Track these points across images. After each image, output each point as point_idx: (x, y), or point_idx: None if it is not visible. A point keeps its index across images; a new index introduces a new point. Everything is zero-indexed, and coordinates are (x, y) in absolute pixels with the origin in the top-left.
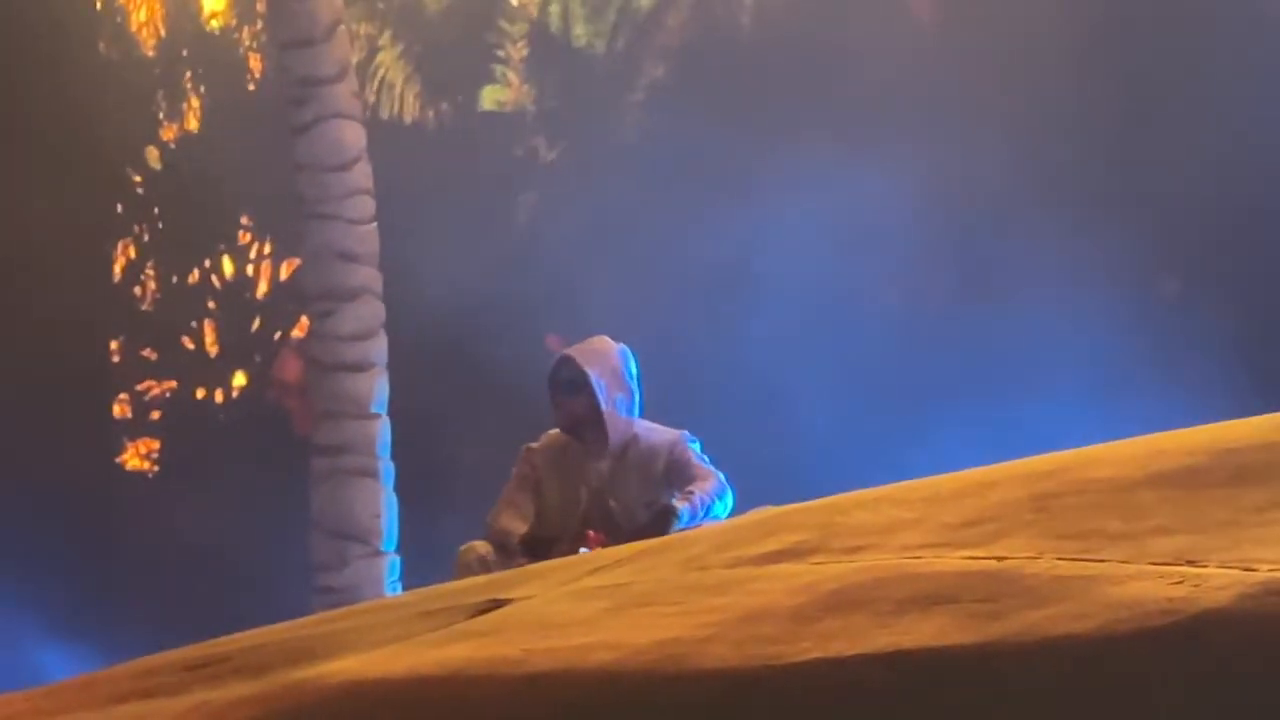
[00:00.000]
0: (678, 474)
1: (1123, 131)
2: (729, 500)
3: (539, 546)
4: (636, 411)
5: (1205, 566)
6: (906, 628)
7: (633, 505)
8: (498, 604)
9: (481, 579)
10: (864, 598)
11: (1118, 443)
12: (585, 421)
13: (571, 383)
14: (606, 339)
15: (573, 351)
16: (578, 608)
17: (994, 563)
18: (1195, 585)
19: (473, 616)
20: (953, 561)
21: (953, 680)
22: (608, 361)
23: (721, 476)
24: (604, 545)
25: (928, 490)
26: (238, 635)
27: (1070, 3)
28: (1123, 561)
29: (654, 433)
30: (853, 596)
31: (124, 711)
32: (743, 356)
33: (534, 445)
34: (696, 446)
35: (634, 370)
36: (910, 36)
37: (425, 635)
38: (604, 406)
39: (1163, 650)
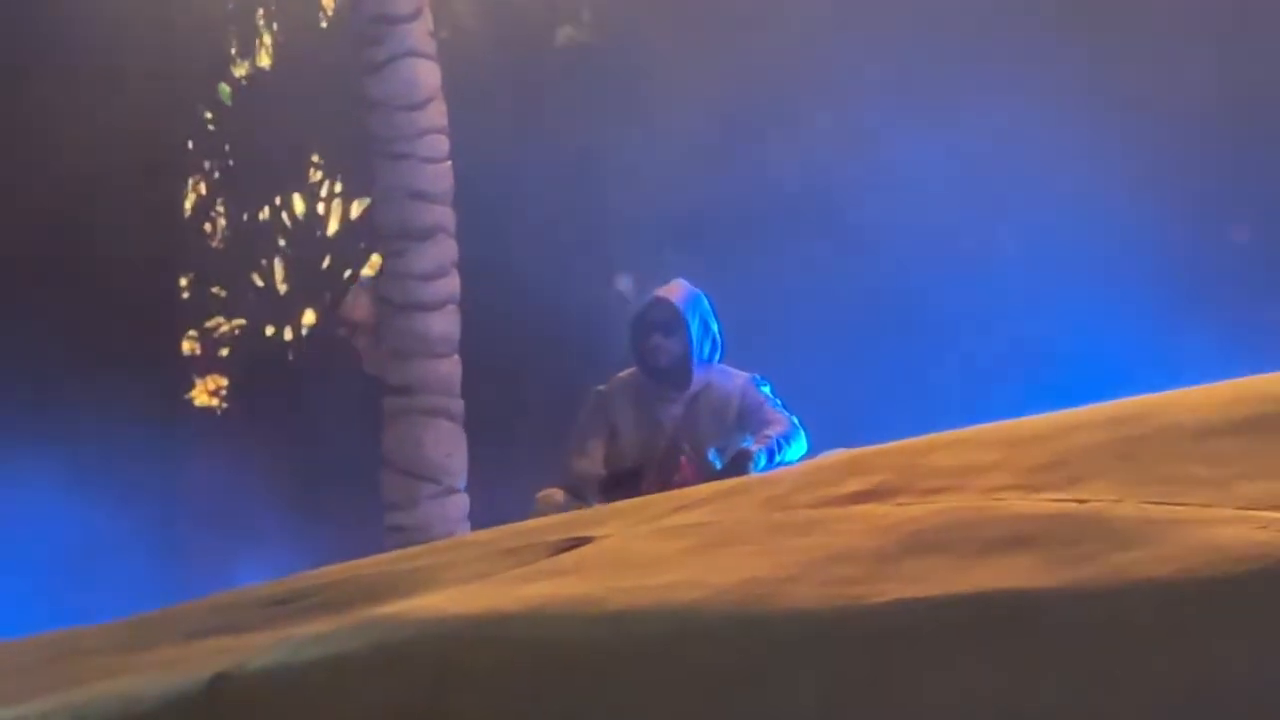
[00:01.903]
0: (751, 417)
1: None
2: (803, 443)
3: (623, 482)
4: (718, 357)
5: None
6: (990, 569)
7: (705, 450)
8: (579, 542)
9: (562, 517)
10: (947, 539)
11: (1199, 388)
12: (673, 366)
13: (665, 325)
14: (685, 283)
15: (667, 294)
16: (660, 546)
17: (1077, 505)
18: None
19: (554, 554)
20: (1036, 504)
21: (1038, 622)
22: (696, 305)
23: (795, 419)
24: (694, 471)
25: (1008, 433)
26: (318, 571)
27: None
28: (1207, 506)
29: (725, 375)
30: (935, 538)
31: (207, 646)
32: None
33: (603, 388)
34: (767, 389)
35: (714, 316)
36: None
37: (506, 572)
38: (694, 352)
39: (1250, 593)
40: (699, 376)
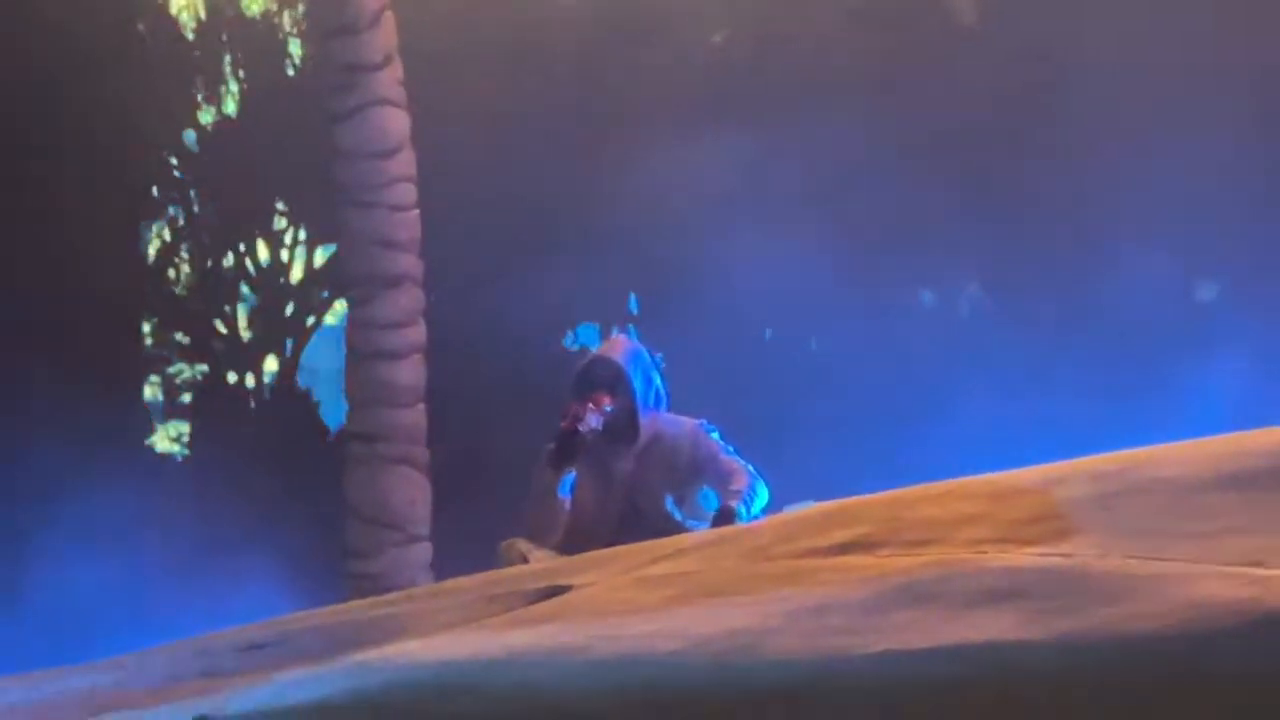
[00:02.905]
0: (706, 467)
1: None
2: (765, 493)
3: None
4: (663, 407)
5: (1274, 568)
6: (976, 622)
7: (661, 500)
8: (558, 590)
9: (542, 565)
10: (933, 591)
11: (1182, 443)
12: (619, 421)
13: (608, 383)
14: (626, 338)
15: (606, 351)
16: (642, 596)
17: (1062, 559)
18: (1264, 586)
19: (533, 603)
20: (1021, 557)
21: (1022, 676)
22: (639, 360)
23: (751, 468)
24: (602, 410)
25: (992, 486)
26: (295, 615)
27: None
28: (1191, 561)
29: (673, 423)
30: (922, 590)
31: (187, 688)
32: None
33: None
34: (716, 435)
35: (657, 368)
36: None
37: (486, 620)
38: (641, 408)
39: (1231, 650)
40: (646, 428)
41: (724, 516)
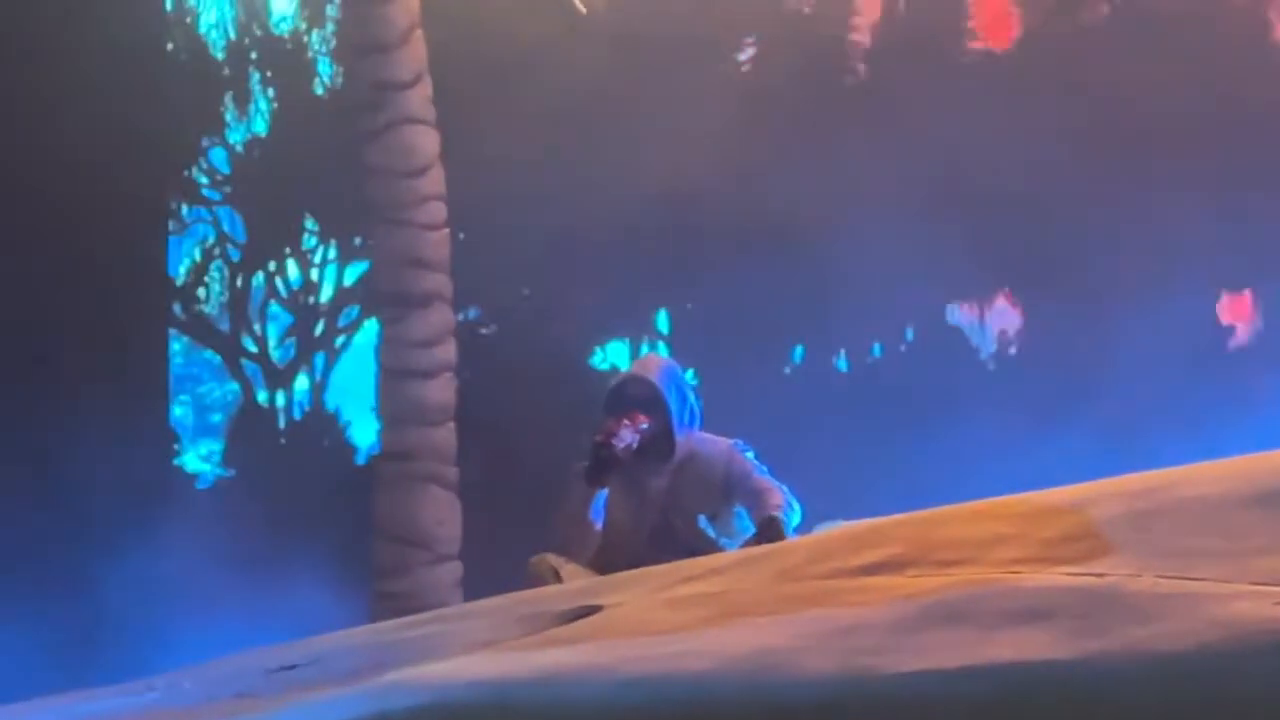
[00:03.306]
0: (740, 485)
1: None
2: (798, 512)
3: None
4: (697, 425)
5: None
6: (1007, 641)
7: (694, 518)
8: (589, 611)
9: (573, 585)
10: (963, 611)
11: (1213, 463)
12: (654, 439)
13: (642, 401)
14: (658, 355)
15: (640, 370)
16: (672, 615)
17: (1094, 579)
18: None
19: (564, 623)
20: (1052, 577)
21: (1054, 695)
22: (674, 378)
23: (784, 488)
24: (638, 428)
25: (1023, 506)
26: (328, 636)
27: None
28: (1223, 580)
29: (707, 444)
30: (952, 609)
31: (221, 708)
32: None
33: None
34: (751, 455)
35: (690, 384)
36: None
37: (516, 640)
38: (676, 427)
39: (1266, 669)
40: (681, 446)
41: (768, 526)
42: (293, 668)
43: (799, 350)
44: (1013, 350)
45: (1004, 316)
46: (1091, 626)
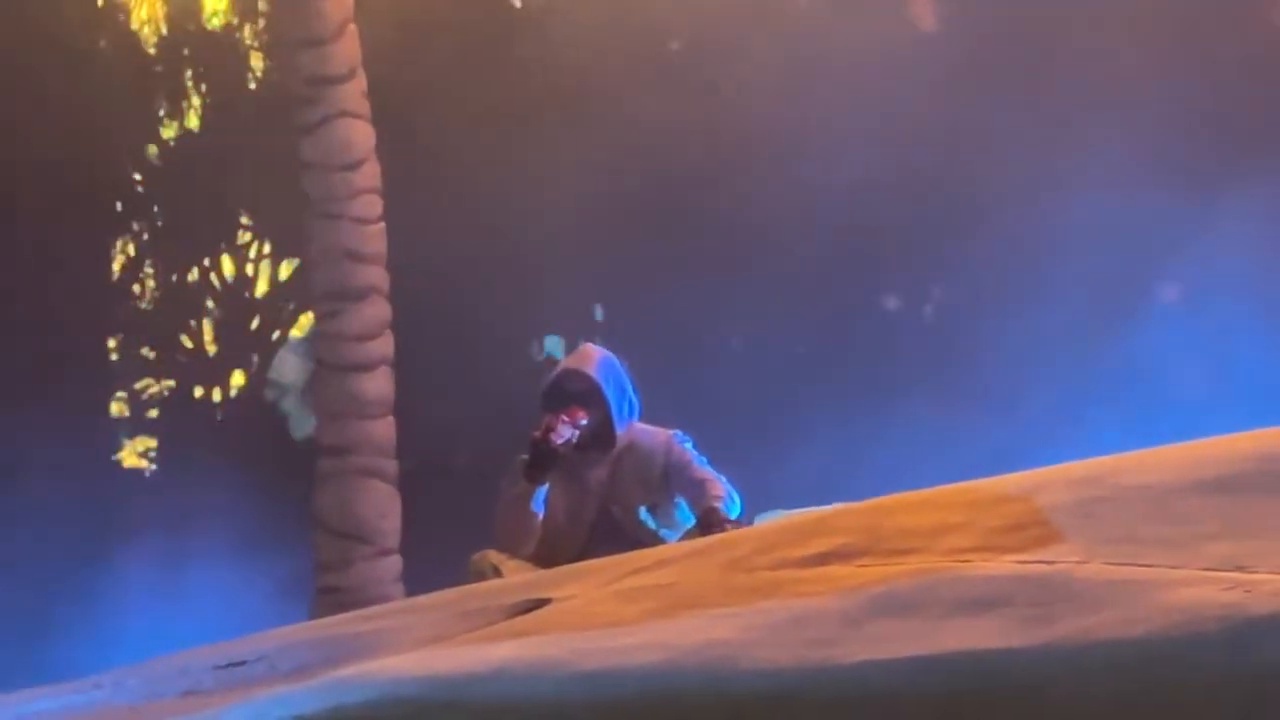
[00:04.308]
0: (679, 476)
1: None
2: (738, 502)
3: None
4: (636, 415)
5: (1256, 572)
6: (958, 631)
7: (634, 509)
8: (538, 604)
9: (520, 579)
10: (914, 601)
11: (1158, 449)
12: (594, 432)
13: (580, 395)
14: (596, 347)
15: (577, 363)
16: (622, 608)
17: (1043, 567)
18: (1247, 591)
19: (513, 616)
20: (1002, 565)
21: (1006, 684)
22: (612, 371)
23: (723, 479)
24: (576, 423)
25: (972, 494)
26: (275, 632)
27: None
28: (1173, 567)
29: (647, 435)
30: (902, 599)
31: (167, 707)
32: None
33: (527, 456)
34: (690, 446)
35: (628, 376)
36: None
37: (467, 634)
38: (616, 420)
39: (1217, 655)
40: (620, 438)
41: (708, 516)
42: (241, 664)
43: (734, 342)
44: (949, 336)
45: (938, 303)
46: (1042, 614)
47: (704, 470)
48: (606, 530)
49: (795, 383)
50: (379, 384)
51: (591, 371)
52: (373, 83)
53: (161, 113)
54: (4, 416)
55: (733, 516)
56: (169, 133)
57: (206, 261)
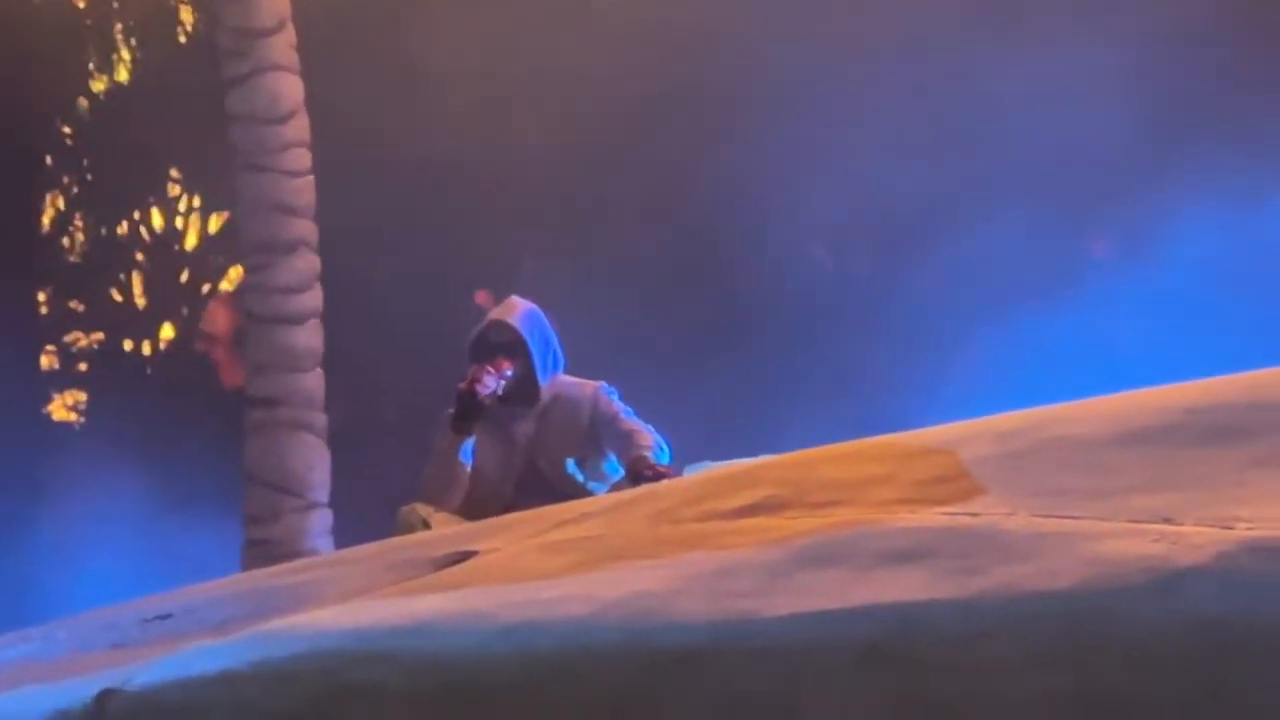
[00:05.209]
0: (607, 428)
1: None
2: (666, 452)
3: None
4: (561, 368)
5: (1182, 524)
6: (883, 582)
7: (562, 462)
8: (464, 556)
9: (447, 531)
10: (839, 552)
11: (1085, 401)
12: (519, 384)
13: (505, 347)
14: (520, 299)
15: (502, 315)
16: (547, 561)
17: (970, 519)
18: (1173, 542)
19: (439, 569)
20: (929, 517)
21: (932, 635)
22: (536, 323)
23: (651, 430)
24: (501, 374)
25: (897, 446)
26: (200, 586)
27: None
28: (1099, 519)
29: (573, 387)
30: (828, 551)
31: (92, 660)
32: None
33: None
34: (615, 397)
35: (552, 328)
36: None
37: (393, 586)
38: (540, 372)
39: (1143, 607)
40: (546, 390)
41: (638, 465)
42: (168, 617)
43: (660, 296)
44: (877, 292)
45: (865, 259)
46: (969, 566)
47: (631, 421)
48: (533, 483)
49: (724, 334)
50: (308, 337)
51: (516, 323)
52: (301, 36)
53: (91, 66)
54: None
55: (662, 464)
56: (99, 86)
57: (136, 215)
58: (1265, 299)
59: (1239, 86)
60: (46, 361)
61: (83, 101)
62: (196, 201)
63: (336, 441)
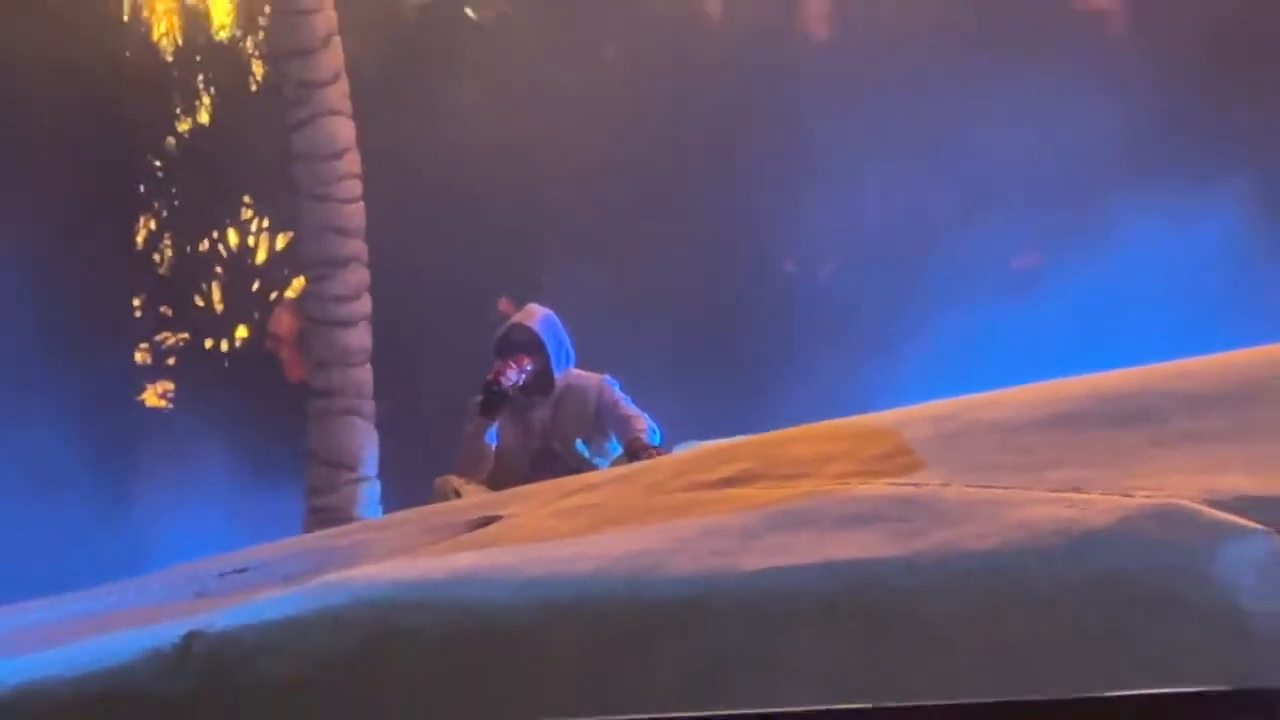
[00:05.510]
0: (609, 414)
1: None
2: (658, 434)
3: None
4: (571, 363)
5: (1090, 493)
6: (840, 542)
7: (572, 442)
8: (491, 520)
9: (474, 499)
10: (804, 517)
11: (1010, 389)
12: (536, 377)
13: (525, 345)
14: (538, 306)
15: (522, 319)
16: (561, 524)
17: (913, 489)
18: (1082, 509)
19: (470, 531)
20: (878, 487)
21: (881, 587)
22: (551, 325)
23: (647, 415)
24: (522, 368)
25: (852, 428)
26: (271, 544)
27: None
28: (1021, 489)
29: (581, 380)
30: (794, 516)
31: (180, 608)
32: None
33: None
34: (617, 388)
35: (565, 330)
36: None
37: (432, 545)
38: (554, 367)
39: (1054, 562)
40: (559, 382)
41: (634, 445)
42: (243, 571)
43: (656, 302)
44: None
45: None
46: (912, 529)
47: (630, 408)
48: (548, 459)
49: (709, 335)
50: (359, 337)
51: (535, 326)
52: (354, 86)
53: (178, 110)
54: (47, 365)
55: (655, 444)
56: (184, 127)
57: (215, 234)
58: (1191, 305)
59: (1182, 121)
60: (140, 357)
61: (170, 140)
62: (266, 223)
63: (383, 425)
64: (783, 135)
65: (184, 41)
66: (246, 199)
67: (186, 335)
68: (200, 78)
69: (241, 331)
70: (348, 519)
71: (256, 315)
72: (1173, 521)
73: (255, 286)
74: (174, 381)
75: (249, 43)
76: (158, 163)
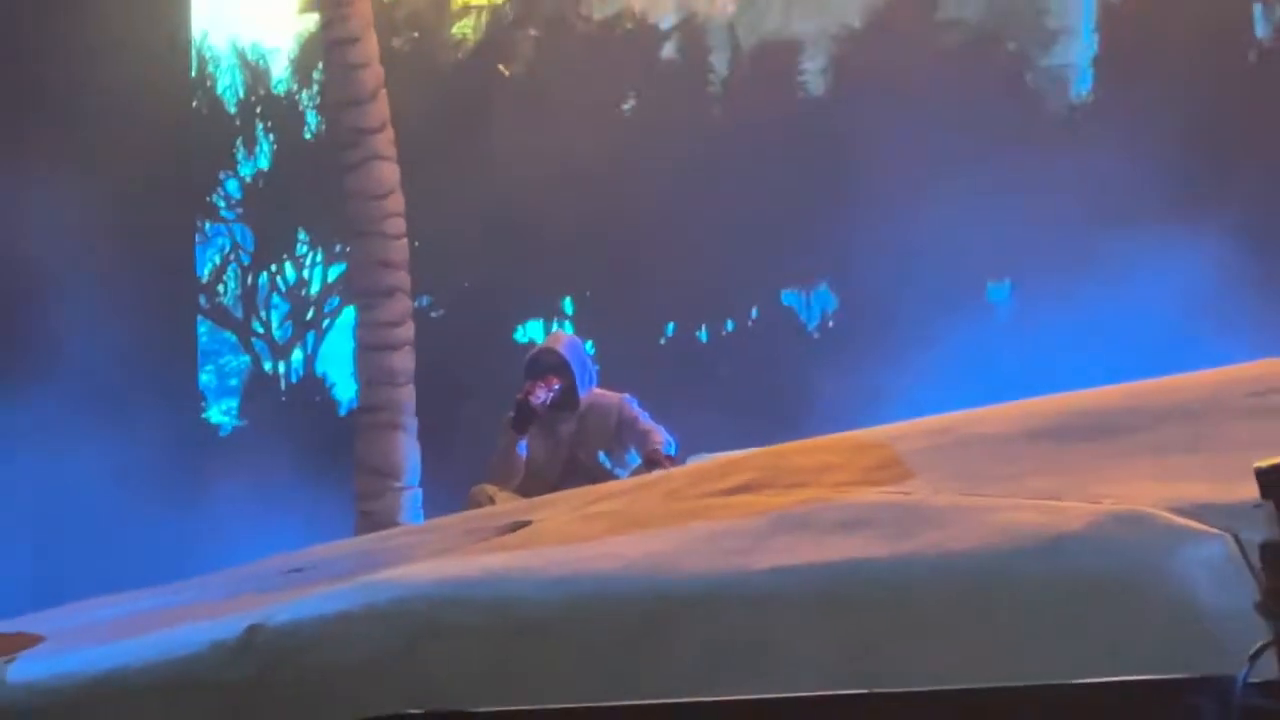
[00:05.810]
0: (629, 428)
1: None
2: (674, 447)
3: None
4: (595, 383)
5: (1064, 500)
6: (838, 544)
7: (595, 454)
8: (522, 524)
9: (506, 506)
10: (804, 521)
11: (994, 406)
12: (563, 396)
13: (553, 367)
14: (564, 332)
15: (551, 343)
16: (586, 528)
17: (904, 496)
18: (1056, 514)
19: (503, 534)
20: (872, 495)
21: (875, 584)
22: (577, 349)
23: (664, 429)
24: (551, 388)
25: (846, 441)
26: (324, 546)
27: None
28: (1002, 496)
29: (604, 397)
30: (796, 520)
31: (242, 602)
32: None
33: (514, 414)
34: (637, 405)
35: (589, 353)
36: None
37: (469, 547)
38: (580, 386)
39: (1031, 562)
40: (584, 400)
41: (652, 456)
42: (300, 570)
43: (670, 326)
44: (831, 324)
45: (825, 298)
46: (902, 532)
47: (648, 423)
48: (574, 470)
49: (714, 357)
50: (403, 360)
51: (561, 349)
52: (399, 133)
53: (240, 155)
54: (123, 386)
55: (671, 455)
56: (246, 171)
57: (274, 267)
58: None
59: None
60: (205, 378)
61: (233, 181)
62: (319, 257)
63: (425, 438)
64: (787, 176)
65: (246, 94)
66: (302, 235)
67: (248, 359)
68: (260, 126)
69: (297, 356)
70: (392, 523)
71: (311, 341)
72: (1137, 526)
73: (309, 315)
74: (237, 400)
75: (304, 95)
76: (221, 203)
